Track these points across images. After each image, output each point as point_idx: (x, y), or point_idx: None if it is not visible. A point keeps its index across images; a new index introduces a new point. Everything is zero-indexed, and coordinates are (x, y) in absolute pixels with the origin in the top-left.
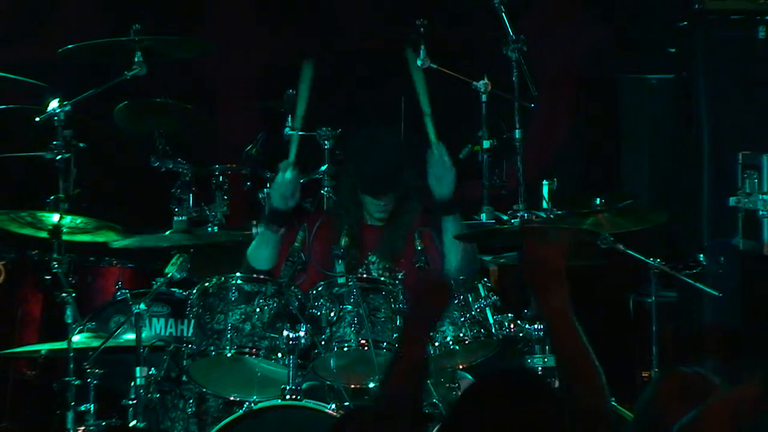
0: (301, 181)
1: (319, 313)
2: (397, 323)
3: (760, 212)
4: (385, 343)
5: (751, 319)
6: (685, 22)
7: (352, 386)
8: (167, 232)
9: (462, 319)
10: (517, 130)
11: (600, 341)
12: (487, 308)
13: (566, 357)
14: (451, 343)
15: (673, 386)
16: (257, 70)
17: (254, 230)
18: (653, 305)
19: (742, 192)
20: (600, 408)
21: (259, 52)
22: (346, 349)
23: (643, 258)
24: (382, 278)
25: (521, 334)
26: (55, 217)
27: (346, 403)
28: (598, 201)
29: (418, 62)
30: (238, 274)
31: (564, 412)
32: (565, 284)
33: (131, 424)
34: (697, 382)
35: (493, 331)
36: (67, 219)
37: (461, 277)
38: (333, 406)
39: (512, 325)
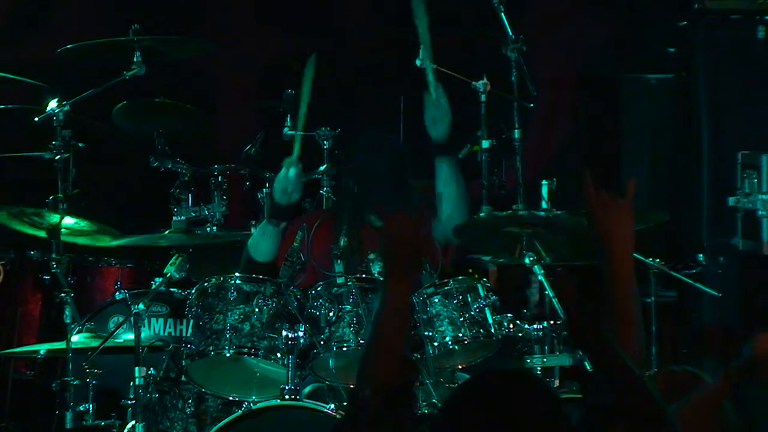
0: (303, 180)
1: (318, 313)
2: None
3: (759, 212)
4: None
5: (751, 319)
6: (685, 22)
7: (351, 386)
8: (166, 232)
9: (461, 319)
10: (516, 130)
11: None
12: (486, 308)
13: None
14: (450, 342)
15: (663, 384)
16: (257, 70)
17: (253, 230)
18: (652, 305)
19: (741, 192)
20: None
21: (258, 52)
22: (345, 349)
23: (642, 258)
24: (382, 278)
25: (520, 334)
26: (54, 217)
27: (345, 403)
28: None
29: (417, 62)
30: (236, 274)
31: (561, 416)
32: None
33: (130, 425)
34: (688, 380)
35: (492, 331)
36: (70, 221)
37: (452, 226)
38: (332, 406)
39: (511, 325)
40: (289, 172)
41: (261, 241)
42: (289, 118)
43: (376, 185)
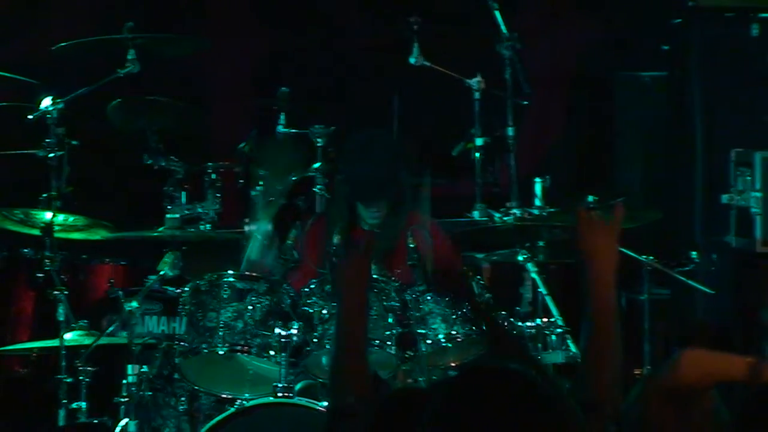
0: (294, 178)
1: (311, 311)
2: (389, 321)
3: (752, 209)
4: (376, 341)
5: (744, 317)
6: (679, 20)
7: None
8: (160, 230)
9: (454, 316)
10: (510, 128)
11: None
12: None
13: None
14: (443, 340)
15: (659, 387)
16: (251, 68)
17: (246, 228)
18: (646, 303)
19: (734, 189)
20: None
21: (253, 50)
22: None
23: (635, 255)
24: (375, 276)
25: (514, 332)
26: (47, 215)
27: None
28: (591, 198)
29: (412, 60)
30: (230, 271)
31: (558, 417)
32: None
33: (123, 422)
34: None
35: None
36: (60, 217)
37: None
38: (325, 403)
39: (505, 323)
40: (260, 232)
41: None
42: (283, 116)
43: (367, 184)
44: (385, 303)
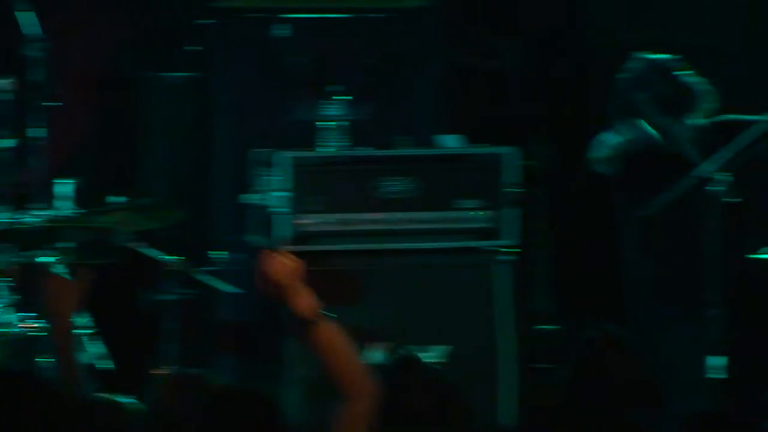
0: None
1: None
2: None
3: (271, 209)
4: None
5: (267, 316)
6: (202, 20)
7: None
8: None
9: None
10: (38, 129)
11: (117, 338)
12: (8, 306)
13: None
14: None
15: (172, 386)
16: None
17: None
18: (171, 303)
19: (253, 189)
20: None
21: None
22: None
23: (159, 256)
24: None
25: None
26: None
27: None
28: (118, 199)
29: None
30: None
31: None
32: None
33: None
34: (193, 381)
35: (12, 330)
36: None
37: None
38: None
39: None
40: None
41: None
42: None
43: None
44: None
